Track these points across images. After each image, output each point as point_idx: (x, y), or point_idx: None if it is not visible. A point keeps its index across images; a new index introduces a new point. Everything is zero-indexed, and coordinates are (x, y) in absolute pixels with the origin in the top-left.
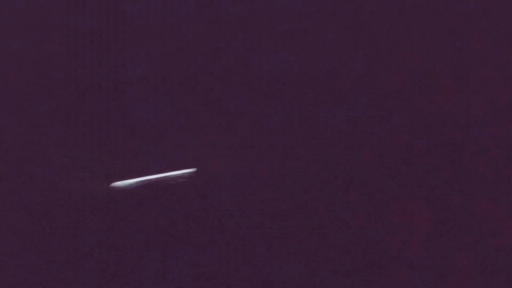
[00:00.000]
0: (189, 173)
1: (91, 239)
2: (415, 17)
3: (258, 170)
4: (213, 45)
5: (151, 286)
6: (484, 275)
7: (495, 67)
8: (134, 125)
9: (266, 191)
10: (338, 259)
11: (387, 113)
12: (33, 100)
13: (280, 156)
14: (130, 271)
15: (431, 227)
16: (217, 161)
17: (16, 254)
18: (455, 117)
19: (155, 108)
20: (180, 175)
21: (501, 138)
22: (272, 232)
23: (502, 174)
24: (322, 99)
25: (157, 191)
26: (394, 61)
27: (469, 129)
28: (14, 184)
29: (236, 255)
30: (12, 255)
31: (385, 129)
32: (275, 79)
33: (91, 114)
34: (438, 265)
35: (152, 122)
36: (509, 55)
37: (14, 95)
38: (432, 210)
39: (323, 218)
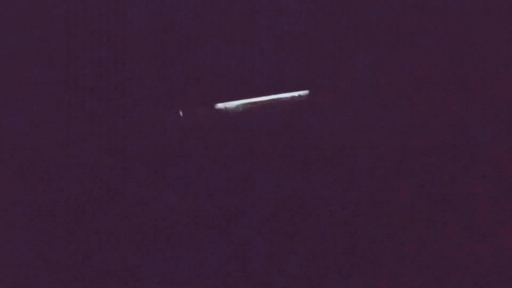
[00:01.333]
0: (300, 96)
1: (197, 162)
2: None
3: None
4: None
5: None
6: (484, 275)
7: (495, 67)
8: (236, 42)
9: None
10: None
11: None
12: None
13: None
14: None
15: (431, 227)
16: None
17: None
18: (455, 117)
19: (263, 26)
20: (289, 98)
21: (501, 138)
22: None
23: (502, 174)
24: None
25: (263, 114)
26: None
27: (469, 129)
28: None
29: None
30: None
31: (386, 129)
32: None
33: (196, 38)
34: (438, 265)
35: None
36: (509, 55)
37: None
38: (432, 210)
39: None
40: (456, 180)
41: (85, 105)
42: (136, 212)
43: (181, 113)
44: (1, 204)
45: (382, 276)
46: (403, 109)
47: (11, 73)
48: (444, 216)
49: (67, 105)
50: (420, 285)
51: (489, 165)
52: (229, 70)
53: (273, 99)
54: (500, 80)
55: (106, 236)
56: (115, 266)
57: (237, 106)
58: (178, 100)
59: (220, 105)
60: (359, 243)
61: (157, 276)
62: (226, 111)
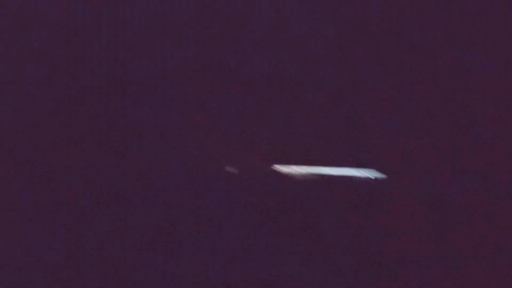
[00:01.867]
0: (370, 175)
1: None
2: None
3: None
4: None
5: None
6: (484, 275)
7: (495, 67)
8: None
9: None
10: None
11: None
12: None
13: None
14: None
15: (432, 227)
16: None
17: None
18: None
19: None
20: (356, 176)
21: (501, 138)
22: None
23: (502, 174)
24: None
25: (325, 186)
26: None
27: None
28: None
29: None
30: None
31: (387, 129)
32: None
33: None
34: (438, 265)
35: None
36: (509, 55)
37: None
38: (433, 211)
39: None
40: (458, 180)
41: (87, 105)
42: (136, 212)
43: (230, 169)
44: (1, 204)
45: (382, 276)
46: None
47: (11, 73)
48: (446, 217)
49: (67, 105)
50: (420, 285)
51: (489, 165)
52: (299, 133)
53: (342, 175)
54: (501, 80)
55: (106, 237)
56: (115, 266)
57: (300, 173)
58: (233, 155)
59: (280, 167)
60: (359, 245)
61: (157, 276)
62: (285, 174)
